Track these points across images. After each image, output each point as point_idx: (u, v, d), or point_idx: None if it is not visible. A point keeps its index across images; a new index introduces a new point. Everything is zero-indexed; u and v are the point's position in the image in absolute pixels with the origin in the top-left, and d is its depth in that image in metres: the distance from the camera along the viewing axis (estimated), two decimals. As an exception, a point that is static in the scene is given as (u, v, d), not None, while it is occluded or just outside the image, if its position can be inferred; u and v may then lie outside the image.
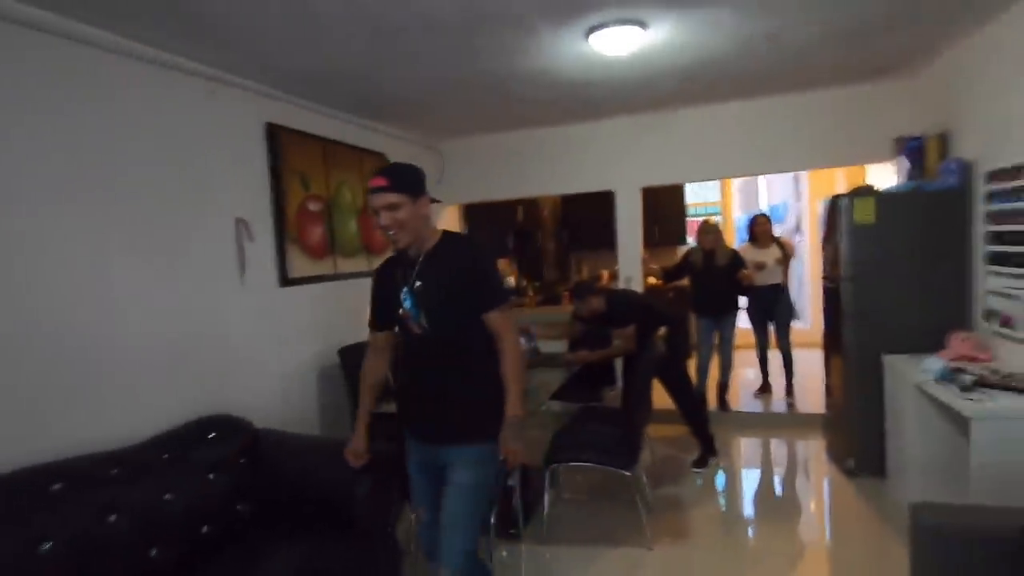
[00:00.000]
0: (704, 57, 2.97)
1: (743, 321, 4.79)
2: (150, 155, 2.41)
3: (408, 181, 1.75)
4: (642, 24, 2.44)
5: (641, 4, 2.29)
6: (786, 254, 4.73)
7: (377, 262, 3.66)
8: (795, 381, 4.77)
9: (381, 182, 1.71)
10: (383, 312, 1.94)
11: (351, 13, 2.23)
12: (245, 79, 2.85)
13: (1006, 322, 2.72)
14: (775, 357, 4.84)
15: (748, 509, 3.28)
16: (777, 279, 4.67)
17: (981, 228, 2.88)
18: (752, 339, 4.95)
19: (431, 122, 4.25)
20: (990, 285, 2.85)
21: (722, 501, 3.35)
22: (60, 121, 2.08)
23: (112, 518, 1.83)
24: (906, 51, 3.21)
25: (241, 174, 2.90)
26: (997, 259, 2.78)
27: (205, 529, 2.09)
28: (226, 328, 2.76)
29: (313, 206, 3.34)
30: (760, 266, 4.55)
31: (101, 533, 1.79)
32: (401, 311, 1.82)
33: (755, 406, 4.78)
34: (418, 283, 1.79)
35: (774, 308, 4.70)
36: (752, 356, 5.01)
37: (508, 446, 1.78)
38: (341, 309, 3.61)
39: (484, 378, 1.81)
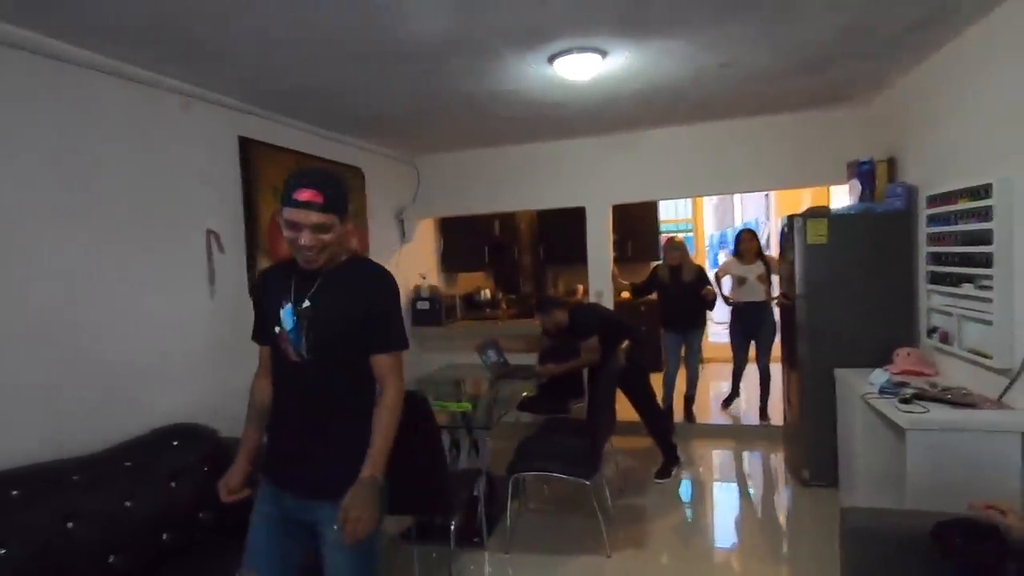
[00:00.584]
0: (661, 83, 3.12)
1: (722, 336, 4.89)
2: (124, 167, 2.46)
3: (340, 197, 1.51)
4: (602, 52, 2.57)
5: (600, 34, 2.42)
6: (769, 271, 4.58)
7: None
8: (770, 401, 4.63)
9: (314, 197, 1.44)
10: (264, 326, 1.66)
11: (323, 39, 2.32)
12: (220, 95, 2.92)
13: (944, 338, 2.87)
14: (751, 372, 4.75)
15: (707, 519, 3.38)
16: (760, 296, 4.58)
17: (923, 249, 3.05)
18: (730, 353, 4.91)
19: (407, 138, 4.34)
20: (932, 303, 3.01)
21: (683, 511, 3.44)
22: (35, 135, 2.13)
23: (71, 525, 1.86)
24: (855, 82, 3.39)
25: (213, 187, 2.95)
26: (936, 278, 2.94)
27: (166, 536, 2.12)
28: (195, 338, 2.80)
29: (285, 219, 3.39)
30: (740, 280, 4.57)
31: (59, 540, 1.82)
32: (278, 330, 1.56)
33: (721, 418, 4.90)
34: (307, 304, 1.54)
35: (757, 326, 4.59)
36: (729, 370, 5.05)
37: (350, 512, 1.40)
38: (312, 320, 3.65)
39: (366, 424, 1.54)
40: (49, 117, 2.18)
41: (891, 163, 3.53)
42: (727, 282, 4.81)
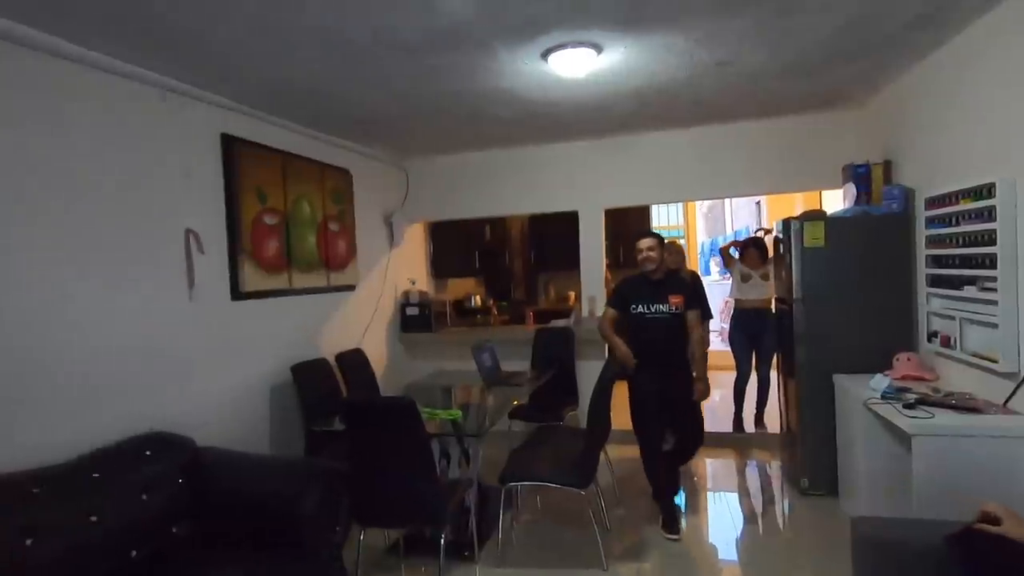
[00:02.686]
0: (657, 81, 3.06)
1: (717, 344, 4.77)
2: (100, 162, 2.35)
3: None
4: (597, 47, 2.51)
5: (596, 27, 2.35)
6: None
7: (337, 278, 3.64)
8: (766, 410, 4.50)
9: None
10: None
11: (309, 29, 2.24)
12: (201, 89, 2.81)
13: (945, 342, 2.82)
14: (753, 387, 4.54)
15: (706, 530, 3.27)
16: (764, 294, 4.37)
17: (922, 252, 3.00)
18: (718, 361, 4.79)
19: (396, 139, 4.26)
20: (932, 307, 2.96)
21: (682, 523, 3.34)
22: (5, 128, 2.01)
23: (29, 542, 1.72)
24: (851, 84, 3.36)
25: (194, 185, 2.84)
26: (936, 281, 2.89)
27: (134, 554, 1.99)
28: (172, 343, 2.67)
29: (269, 219, 3.29)
30: (745, 277, 4.43)
31: (15, 557, 1.68)
32: None
33: (716, 426, 4.80)
34: None
35: (761, 332, 4.38)
36: (727, 379, 4.92)
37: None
38: (296, 325, 3.54)
39: None
40: (18, 107, 2.06)
41: (887, 166, 3.49)
42: (726, 284, 4.71)
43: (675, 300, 3.05)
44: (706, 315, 3.74)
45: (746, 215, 9.31)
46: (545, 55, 2.56)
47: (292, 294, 3.48)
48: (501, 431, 3.79)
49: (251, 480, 2.27)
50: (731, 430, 4.52)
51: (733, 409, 4.60)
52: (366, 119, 3.58)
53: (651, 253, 3.06)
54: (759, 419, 4.56)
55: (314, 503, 2.11)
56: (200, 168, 2.89)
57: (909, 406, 2.47)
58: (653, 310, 3.08)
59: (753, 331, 4.43)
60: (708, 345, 3.10)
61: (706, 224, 10.85)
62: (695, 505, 3.57)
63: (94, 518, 1.91)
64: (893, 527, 1.77)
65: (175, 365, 2.67)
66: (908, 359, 3.03)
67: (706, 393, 3.12)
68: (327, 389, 3.45)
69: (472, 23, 2.25)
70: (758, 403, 4.56)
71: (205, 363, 2.85)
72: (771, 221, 6.84)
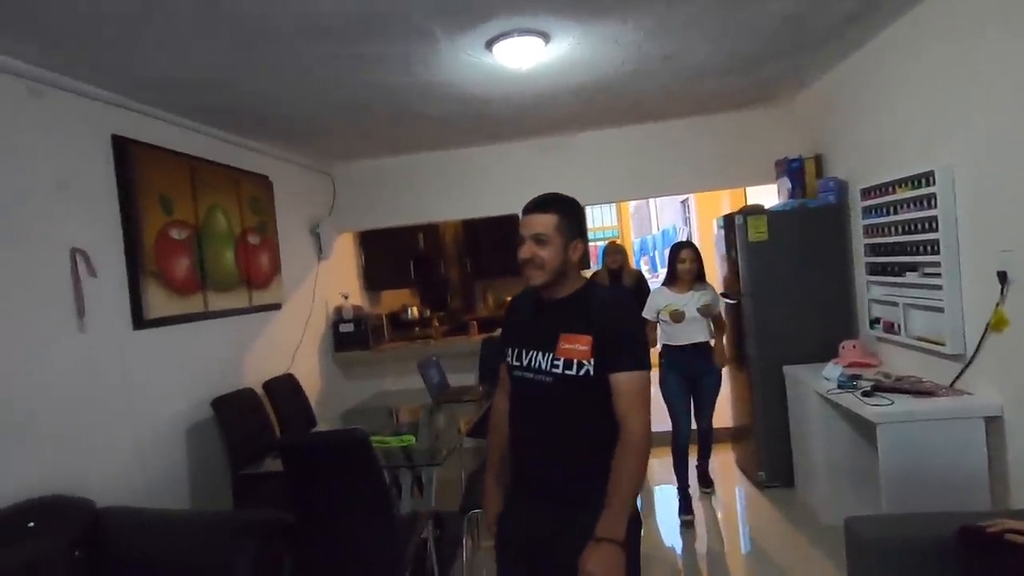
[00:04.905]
0: (602, 75, 2.96)
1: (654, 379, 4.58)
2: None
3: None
4: (545, 36, 2.35)
5: (545, 15, 2.19)
6: (714, 302, 3.24)
7: (260, 296, 3.21)
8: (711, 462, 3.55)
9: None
10: None
11: (214, 11, 1.91)
12: (81, 83, 2.38)
13: (889, 327, 2.89)
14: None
15: (664, 527, 3.19)
16: (703, 335, 3.22)
17: (860, 241, 3.08)
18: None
19: (321, 142, 3.91)
20: (872, 294, 3.04)
21: (647, 528, 3.23)
22: None
23: None
24: (782, 80, 3.43)
25: (78, 195, 2.39)
26: (876, 269, 2.97)
27: (17, 657, 1.58)
28: (59, 384, 2.21)
29: (177, 233, 2.86)
30: (677, 316, 3.13)
31: None
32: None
33: (662, 425, 4.79)
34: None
35: (699, 374, 3.27)
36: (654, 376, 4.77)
37: None
38: (214, 353, 3.11)
39: None
40: None
41: (818, 160, 3.60)
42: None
43: (569, 345, 1.38)
44: (637, 364, 1.41)
45: (672, 214, 9.58)
46: (490, 44, 2.37)
47: (208, 317, 3.05)
48: (451, 449, 3.54)
49: (169, 545, 1.90)
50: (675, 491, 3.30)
51: (673, 470, 3.30)
52: (285, 118, 3.23)
53: (541, 231, 1.40)
54: (703, 476, 3.50)
55: (251, 566, 1.78)
56: (87, 176, 2.45)
57: (867, 394, 2.49)
58: (528, 363, 1.45)
59: (690, 371, 3.26)
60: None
61: (633, 223, 11.07)
62: (658, 507, 3.48)
63: (-43, 622, 1.49)
64: (889, 525, 1.71)
65: (63, 411, 2.21)
66: (853, 346, 3.10)
67: None
68: (255, 424, 3.06)
69: (410, 5, 2.02)
70: (700, 457, 3.48)
71: (104, 406, 2.40)
72: (700, 219, 7.03)
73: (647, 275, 5.84)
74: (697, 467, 3.51)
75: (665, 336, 3.32)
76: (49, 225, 2.24)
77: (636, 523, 1.37)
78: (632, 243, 8.05)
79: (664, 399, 3.28)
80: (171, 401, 2.77)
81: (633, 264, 7.08)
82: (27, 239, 2.15)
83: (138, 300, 2.60)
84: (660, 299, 3.26)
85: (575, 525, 1.31)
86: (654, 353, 2.63)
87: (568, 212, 1.45)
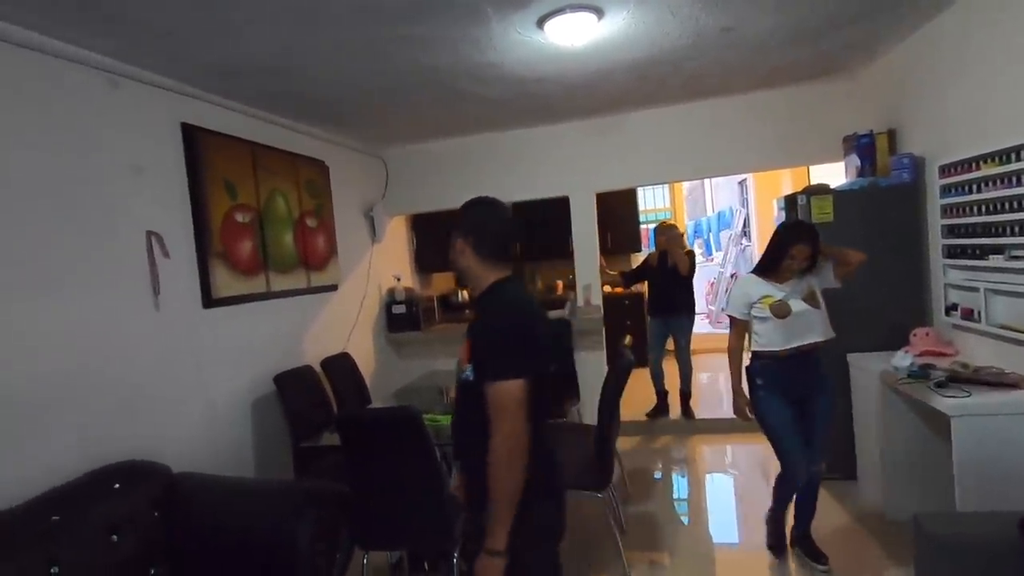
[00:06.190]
0: (658, 51, 2.86)
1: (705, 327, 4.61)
2: (40, 158, 2.04)
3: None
4: (598, 11, 2.29)
5: (597, -12, 2.14)
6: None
7: (318, 277, 3.30)
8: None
9: None
10: None
11: (276, -3, 1.96)
12: (153, 73, 2.50)
13: (968, 314, 2.70)
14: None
15: (724, 522, 3.13)
16: (820, 332, 2.44)
17: (937, 222, 2.87)
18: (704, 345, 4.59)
19: (373, 127, 3.98)
20: (949, 278, 2.84)
21: (703, 517, 3.18)
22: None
23: (-25, 605, 1.45)
24: (852, 49, 3.21)
25: (153, 181, 2.54)
26: (954, 252, 2.76)
27: (106, 605, 1.73)
28: (137, 359, 2.38)
29: (241, 217, 3.00)
30: (781, 310, 2.39)
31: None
32: None
33: (721, 412, 4.68)
34: None
35: (811, 395, 2.46)
36: (712, 361, 4.78)
37: None
38: (276, 331, 3.26)
39: None
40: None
41: (891, 135, 3.36)
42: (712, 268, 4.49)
43: (463, 349, 1.43)
44: (500, 373, 1.32)
45: (728, 195, 9.24)
46: (541, 22, 2.33)
47: (270, 297, 3.19)
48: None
49: (237, 510, 2.01)
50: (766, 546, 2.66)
51: (770, 511, 2.64)
52: (339, 103, 3.30)
53: None
54: (809, 542, 2.56)
55: (311, 533, 1.87)
56: (160, 162, 2.59)
57: (941, 385, 2.34)
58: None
59: (796, 389, 2.45)
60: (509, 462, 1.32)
61: (687, 206, 10.76)
62: (714, 496, 3.42)
63: (55, 569, 1.64)
64: (963, 522, 1.62)
65: (141, 384, 2.38)
66: (926, 334, 2.91)
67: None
68: (314, 399, 3.19)
69: (461, -15, 2.01)
70: (800, 516, 2.59)
71: (177, 379, 2.57)
72: (758, 201, 6.75)
73: (701, 260, 5.68)
74: (795, 532, 2.60)
75: (761, 339, 2.47)
76: (127, 209, 2.39)
77: (539, 533, 1.37)
78: (686, 225, 7.81)
79: (767, 430, 2.47)
80: (237, 376, 2.92)
81: (687, 243, 6.91)
82: (108, 223, 2.30)
83: (207, 280, 2.75)
84: (753, 289, 2.47)
85: (478, 529, 1.34)
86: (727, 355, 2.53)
87: (462, 213, 1.53)
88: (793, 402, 2.44)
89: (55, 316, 2.06)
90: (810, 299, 2.44)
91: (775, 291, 2.44)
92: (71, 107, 2.19)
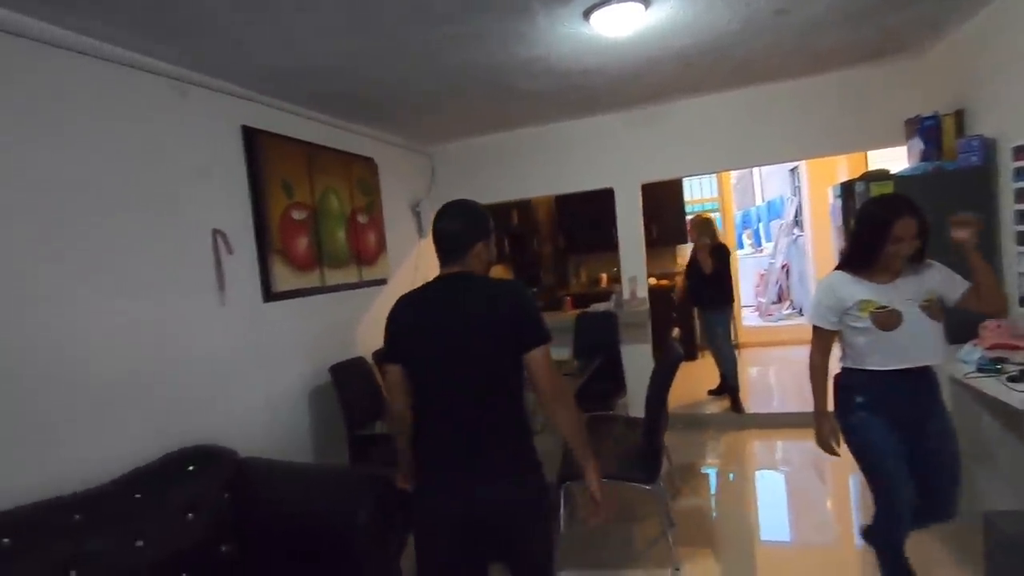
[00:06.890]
0: (707, 38, 2.80)
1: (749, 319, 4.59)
2: (112, 163, 2.19)
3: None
4: (645, 0, 2.26)
5: (644, -23, 2.11)
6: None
7: (369, 272, 3.40)
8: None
9: None
10: None
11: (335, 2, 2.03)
12: (215, 78, 2.64)
13: (1045, 306, 2.54)
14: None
15: (775, 519, 3.07)
16: (933, 347, 1.89)
17: (1011, 207, 2.71)
18: (753, 338, 4.71)
19: (420, 124, 4.05)
20: None
21: (754, 512, 3.13)
22: (2, 124, 1.86)
23: (73, 574, 1.59)
24: (913, 29, 3.06)
25: (217, 182, 2.68)
26: (1030, 239, 2.61)
27: (184, 577, 1.86)
28: (205, 349, 2.53)
29: (297, 214, 3.12)
30: (885, 318, 1.84)
31: (60, 592, 1.55)
32: None
33: (770, 407, 4.58)
34: None
35: (922, 423, 1.89)
36: (762, 355, 4.75)
37: None
38: (331, 324, 3.38)
39: None
40: (19, 104, 1.91)
41: (959, 116, 3.18)
42: (759, 259, 4.45)
43: None
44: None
45: (779, 183, 8.94)
46: (587, 14, 2.32)
47: (325, 292, 3.32)
48: (542, 422, 3.62)
49: (299, 493, 2.12)
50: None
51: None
52: (389, 101, 3.38)
53: None
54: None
55: (368, 517, 1.95)
56: (223, 164, 2.73)
57: (1014, 379, 2.22)
58: None
59: (907, 413, 1.96)
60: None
61: (735, 197, 10.48)
62: (767, 491, 3.35)
63: (140, 543, 1.78)
64: (1038, 522, 1.54)
65: (209, 373, 2.53)
66: (998, 326, 2.75)
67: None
68: (367, 390, 3.30)
69: (509, -19, 2.03)
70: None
71: (241, 369, 2.72)
72: (811, 189, 6.50)
73: (750, 251, 5.52)
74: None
75: (856, 355, 1.98)
76: (194, 209, 2.53)
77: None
78: (734, 216, 7.60)
79: (863, 462, 1.99)
80: (295, 366, 3.06)
81: (732, 239, 6.76)
82: (178, 222, 2.45)
83: (267, 275, 2.88)
84: (846, 292, 1.92)
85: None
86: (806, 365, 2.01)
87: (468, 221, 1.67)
88: (901, 428, 1.93)
89: (134, 313, 2.21)
90: (930, 308, 1.87)
91: (877, 294, 1.89)
92: (145, 115, 2.34)
